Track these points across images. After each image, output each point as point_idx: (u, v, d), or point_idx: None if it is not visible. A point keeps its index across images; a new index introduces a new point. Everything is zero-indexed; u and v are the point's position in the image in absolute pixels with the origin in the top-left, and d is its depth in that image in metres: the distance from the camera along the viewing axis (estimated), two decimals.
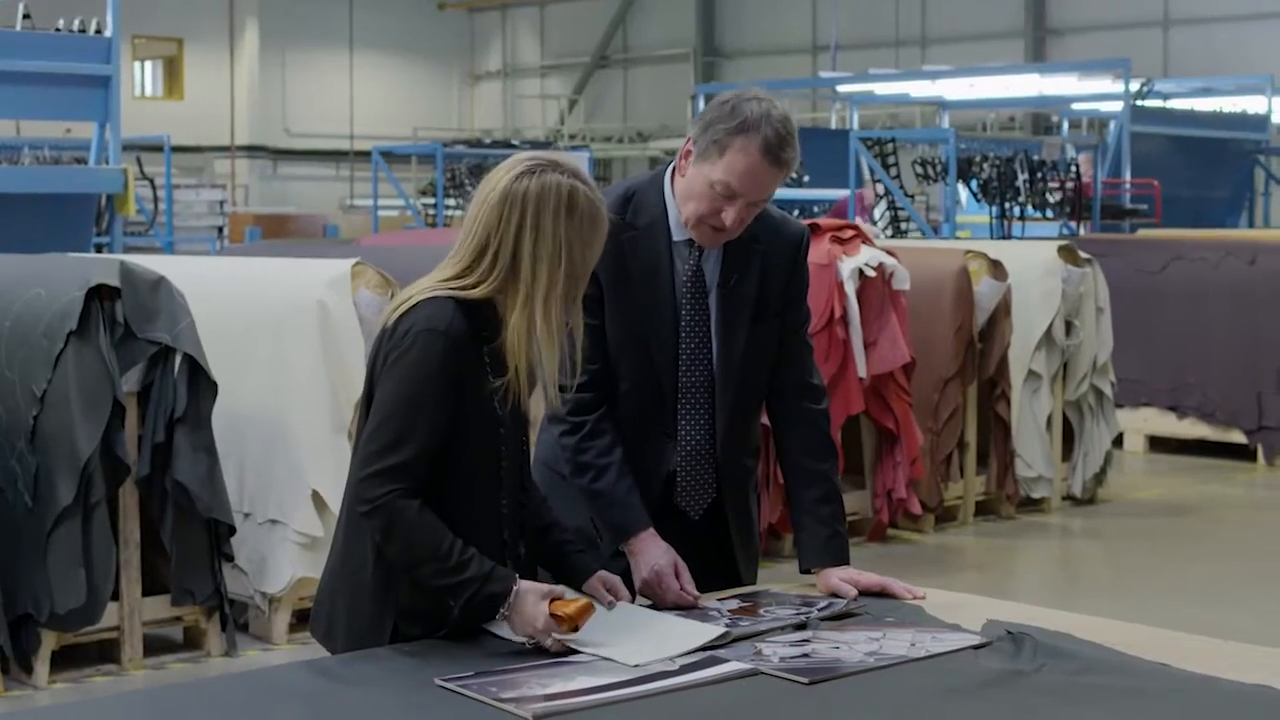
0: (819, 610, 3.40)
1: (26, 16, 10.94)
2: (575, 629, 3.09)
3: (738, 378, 3.72)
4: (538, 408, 3.41)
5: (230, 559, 6.57)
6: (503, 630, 3.16)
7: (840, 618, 3.39)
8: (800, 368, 3.82)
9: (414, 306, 3.16)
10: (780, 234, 3.77)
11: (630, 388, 3.70)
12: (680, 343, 3.69)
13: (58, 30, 10.80)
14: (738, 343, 3.70)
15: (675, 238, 3.68)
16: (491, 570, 3.11)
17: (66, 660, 6.31)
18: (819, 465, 3.78)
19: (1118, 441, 10.78)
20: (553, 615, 3.08)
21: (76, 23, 10.74)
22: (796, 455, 3.80)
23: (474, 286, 3.16)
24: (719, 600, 3.53)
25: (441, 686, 2.87)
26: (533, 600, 3.09)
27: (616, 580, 3.38)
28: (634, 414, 3.71)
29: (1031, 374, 9.76)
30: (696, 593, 3.54)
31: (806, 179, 20.53)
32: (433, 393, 3.11)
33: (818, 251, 8.35)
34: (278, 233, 23.06)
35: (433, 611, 3.18)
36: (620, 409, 3.70)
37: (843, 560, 3.70)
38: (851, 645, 3.14)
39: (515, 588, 3.10)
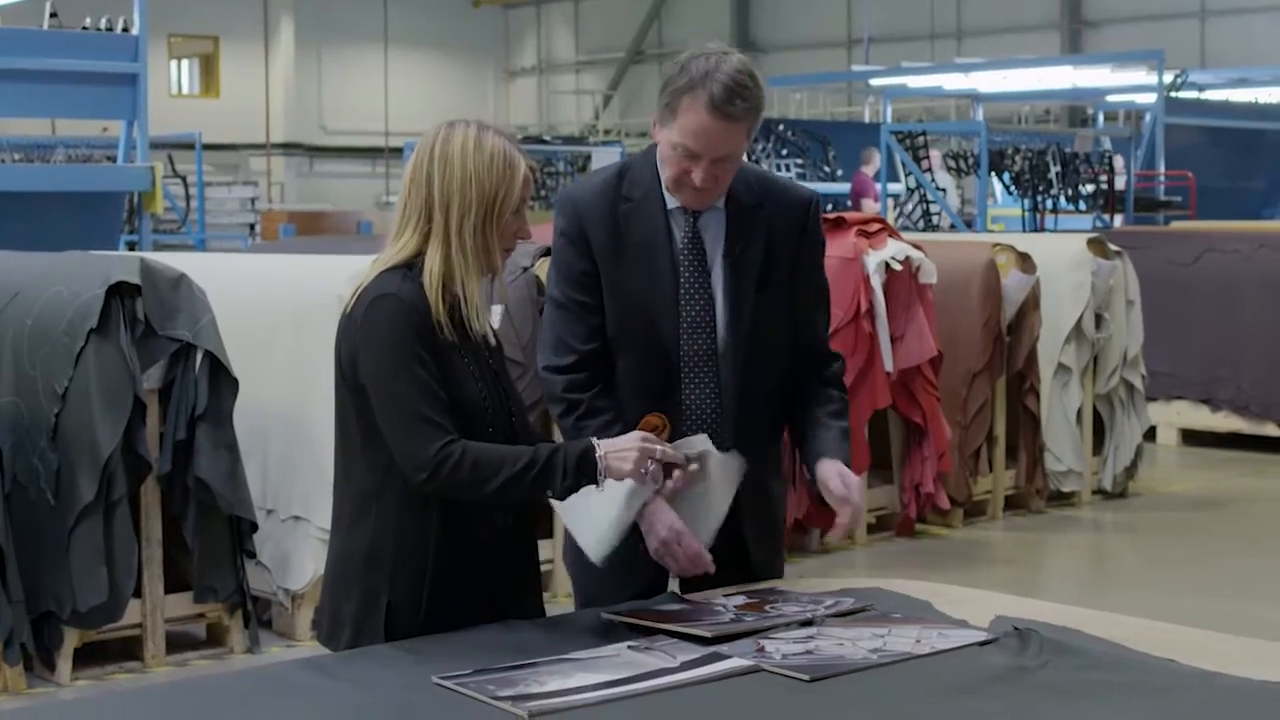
0: (826, 608, 3.37)
1: (54, 15, 10.99)
2: (667, 425, 3.30)
3: (745, 347, 3.64)
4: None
5: (253, 556, 6.57)
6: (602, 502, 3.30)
7: (847, 614, 3.35)
8: (811, 336, 3.77)
9: (364, 290, 3.25)
10: (786, 199, 3.72)
11: (634, 363, 3.66)
12: (680, 310, 3.63)
13: (85, 29, 10.83)
14: (745, 311, 3.64)
15: (670, 205, 3.65)
16: (559, 445, 3.23)
17: (89, 657, 6.32)
18: (831, 407, 3.75)
19: (1151, 435, 10.71)
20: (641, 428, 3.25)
21: (104, 21, 10.77)
22: (808, 407, 3.76)
23: (405, 246, 3.27)
24: (726, 596, 3.49)
25: (439, 684, 2.86)
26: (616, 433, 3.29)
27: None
28: (639, 388, 3.65)
29: (1061, 367, 9.70)
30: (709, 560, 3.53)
31: (840, 173, 20.49)
32: (411, 344, 3.18)
33: (844, 245, 8.32)
34: (312, 230, 23.06)
35: (423, 597, 3.23)
36: (624, 385, 3.66)
37: (845, 460, 3.65)
38: (856, 642, 3.11)
39: (592, 438, 3.25)
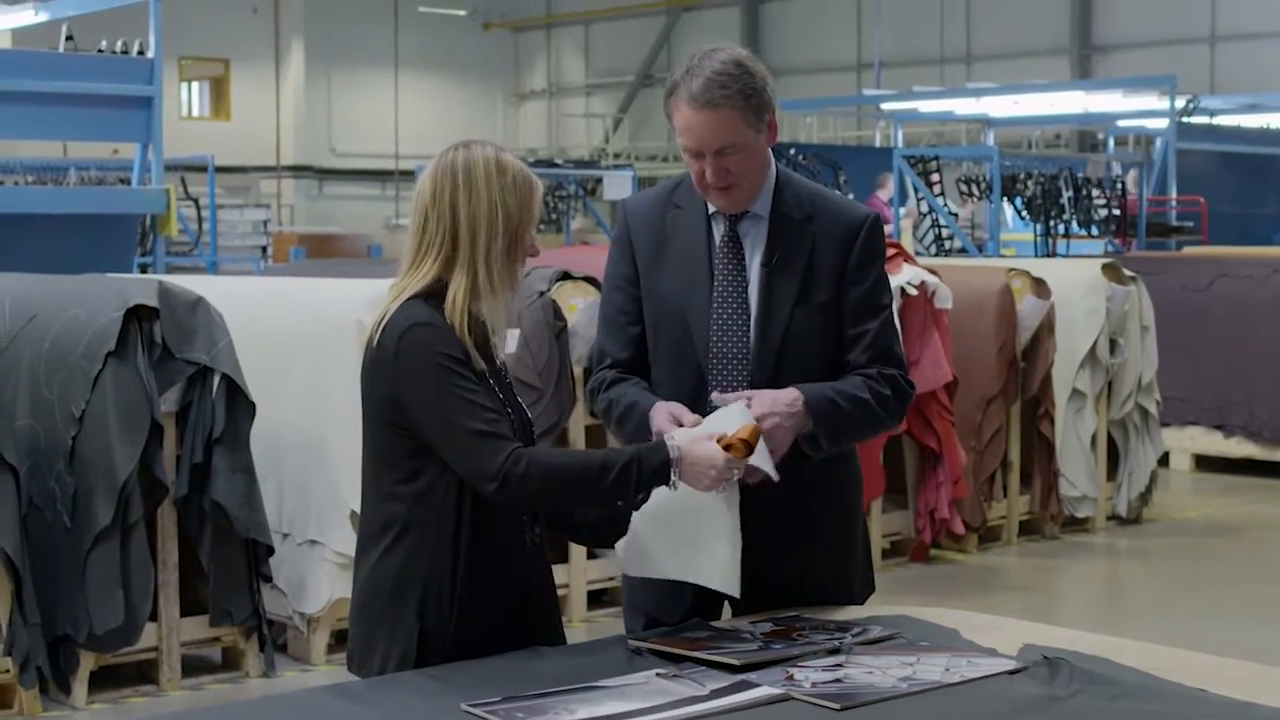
0: (854, 635, 3.36)
1: (69, 38, 11.00)
2: (750, 450, 3.22)
3: (777, 355, 3.60)
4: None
5: (268, 579, 6.56)
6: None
7: (875, 642, 3.34)
8: (855, 352, 3.64)
9: (390, 321, 3.23)
10: (838, 216, 3.68)
11: (668, 364, 3.67)
12: (713, 312, 3.63)
13: (100, 52, 10.83)
14: (779, 320, 3.61)
15: (711, 210, 3.67)
16: (638, 450, 3.21)
17: (105, 681, 6.31)
18: (845, 381, 3.63)
19: (1164, 461, 10.68)
20: (727, 449, 3.20)
21: (119, 44, 10.77)
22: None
23: (426, 274, 3.25)
24: (753, 623, 3.48)
25: (468, 712, 2.84)
26: (700, 446, 3.21)
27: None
28: (671, 388, 3.64)
29: (1076, 392, 9.68)
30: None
31: (851, 197, 20.51)
32: (452, 365, 3.18)
33: None
34: (322, 253, 23.06)
35: (452, 623, 3.22)
36: (658, 387, 3.66)
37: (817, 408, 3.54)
38: (885, 670, 3.09)
39: (674, 446, 3.21)
